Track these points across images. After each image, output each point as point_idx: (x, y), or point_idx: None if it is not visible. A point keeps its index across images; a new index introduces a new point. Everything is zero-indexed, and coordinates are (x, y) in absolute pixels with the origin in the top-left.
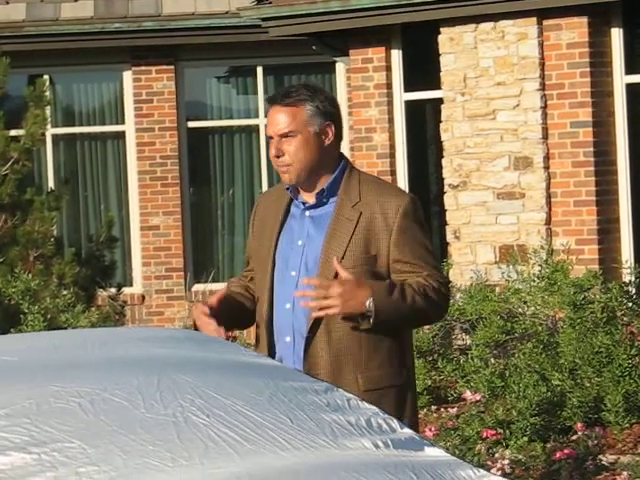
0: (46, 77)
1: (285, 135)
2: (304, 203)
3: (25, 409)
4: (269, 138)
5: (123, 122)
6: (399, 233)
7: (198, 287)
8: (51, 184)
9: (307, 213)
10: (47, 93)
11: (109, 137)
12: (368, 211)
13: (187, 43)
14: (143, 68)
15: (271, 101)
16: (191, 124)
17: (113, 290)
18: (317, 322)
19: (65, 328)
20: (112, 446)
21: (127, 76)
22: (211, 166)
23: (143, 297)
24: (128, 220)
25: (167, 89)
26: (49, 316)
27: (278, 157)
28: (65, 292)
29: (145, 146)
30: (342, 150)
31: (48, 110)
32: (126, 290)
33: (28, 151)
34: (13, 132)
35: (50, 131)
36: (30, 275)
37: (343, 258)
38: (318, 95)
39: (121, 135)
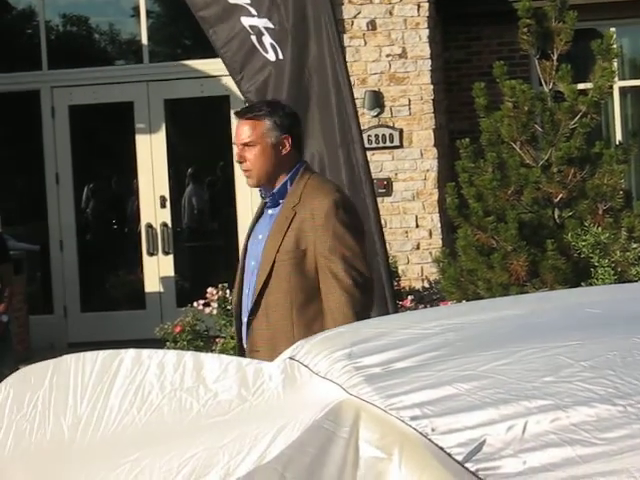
0: (613, 29)
1: (246, 144)
2: (266, 202)
3: (609, 361)
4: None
5: None
6: (322, 231)
7: None
8: (619, 137)
9: (269, 212)
10: (614, 46)
11: None
12: (302, 211)
13: None
14: None
15: (237, 114)
16: None
17: None
18: (257, 305)
19: (635, 281)
20: None
21: None
22: None
23: None
24: None
25: None
26: (619, 269)
27: (241, 163)
28: (635, 245)
29: None
30: None
31: (615, 63)
32: None
33: (596, 104)
34: (581, 86)
35: (618, 84)
36: (599, 228)
37: (278, 252)
38: (277, 111)
39: None
